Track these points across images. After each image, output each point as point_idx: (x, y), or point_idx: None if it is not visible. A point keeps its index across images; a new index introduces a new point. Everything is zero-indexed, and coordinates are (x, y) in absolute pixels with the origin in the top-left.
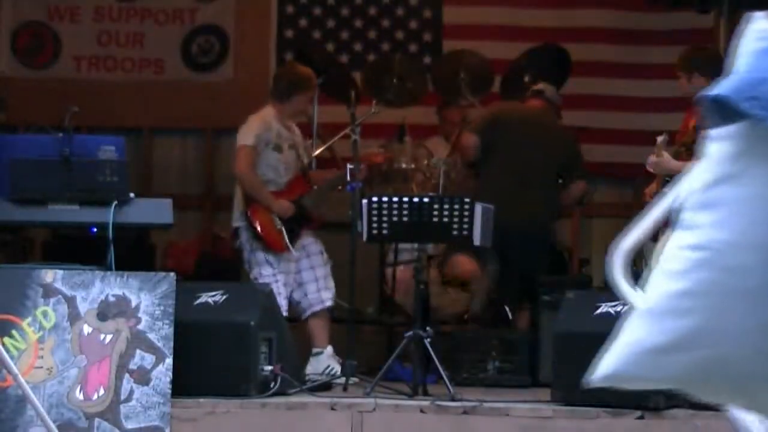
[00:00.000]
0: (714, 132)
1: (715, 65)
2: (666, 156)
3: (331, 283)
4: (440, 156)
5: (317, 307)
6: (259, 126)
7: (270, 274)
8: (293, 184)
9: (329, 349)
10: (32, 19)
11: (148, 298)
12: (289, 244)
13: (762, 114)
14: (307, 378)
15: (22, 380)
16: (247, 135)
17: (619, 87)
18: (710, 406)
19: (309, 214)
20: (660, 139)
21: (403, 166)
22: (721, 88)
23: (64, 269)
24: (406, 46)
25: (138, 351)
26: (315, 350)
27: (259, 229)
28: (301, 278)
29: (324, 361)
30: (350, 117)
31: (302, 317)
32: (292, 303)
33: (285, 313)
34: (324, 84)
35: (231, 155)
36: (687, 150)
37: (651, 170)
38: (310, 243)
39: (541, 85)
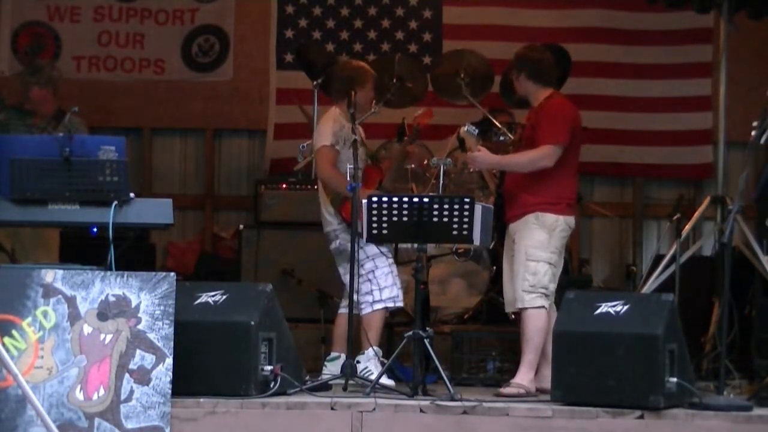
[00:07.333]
0: None
1: (541, 69)
2: (484, 150)
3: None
4: (440, 156)
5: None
6: (334, 125)
7: (387, 265)
8: (367, 174)
9: (370, 350)
10: (32, 19)
11: (148, 298)
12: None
13: None
14: (307, 378)
15: (22, 380)
16: (324, 136)
17: (619, 87)
18: (710, 406)
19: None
20: (464, 129)
21: (404, 166)
22: None
23: (64, 269)
24: (406, 46)
25: (138, 351)
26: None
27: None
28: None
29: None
30: (350, 117)
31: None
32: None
33: (401, 304)
34: (324, 84)
35: (231, 155)
36: (514, 145)
37: (471, 167)
38: None
39: None
